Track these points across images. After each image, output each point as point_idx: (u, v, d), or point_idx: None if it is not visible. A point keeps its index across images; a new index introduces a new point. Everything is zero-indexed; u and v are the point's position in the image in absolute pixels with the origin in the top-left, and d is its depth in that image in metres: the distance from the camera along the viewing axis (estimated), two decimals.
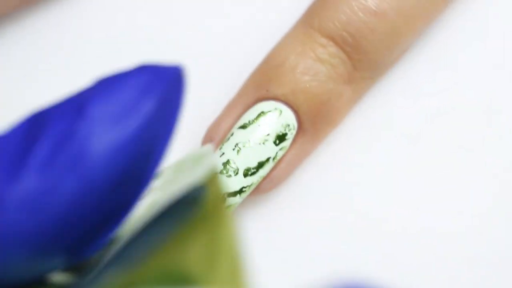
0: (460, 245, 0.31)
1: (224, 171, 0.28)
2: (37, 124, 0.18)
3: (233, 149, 0.28)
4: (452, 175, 0.31)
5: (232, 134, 0.28)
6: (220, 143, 0.29)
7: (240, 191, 0.28)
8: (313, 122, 0.28)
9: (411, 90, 0.31)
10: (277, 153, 0.28)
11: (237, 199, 0.28)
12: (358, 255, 0.31)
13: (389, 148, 0.31)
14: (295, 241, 0.31)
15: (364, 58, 0.28)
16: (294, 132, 0.28)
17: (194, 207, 0.19)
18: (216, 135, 0.29)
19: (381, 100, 0.31)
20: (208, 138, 0.29)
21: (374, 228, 0.31)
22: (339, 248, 0.31)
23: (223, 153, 0.28)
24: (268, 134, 0.28)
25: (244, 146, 0.28)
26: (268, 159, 0.28)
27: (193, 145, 0.31)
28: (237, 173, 0.28)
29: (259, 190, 0.29)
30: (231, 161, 0.28)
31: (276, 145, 0.28)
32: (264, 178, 0.29)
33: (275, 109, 0.28)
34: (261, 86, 0.28)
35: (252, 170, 0.28)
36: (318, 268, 0.31)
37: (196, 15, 0.32)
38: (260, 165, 0.28)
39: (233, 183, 0.28)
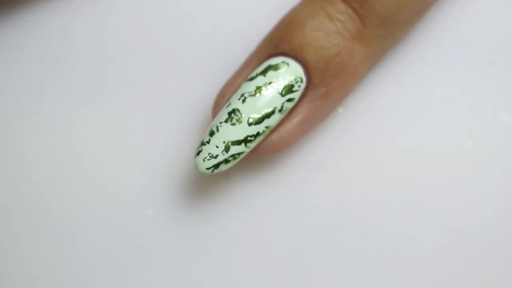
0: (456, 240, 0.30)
1: (229, 120, 0.27)
2: None
3: (239, 99, 0.28)
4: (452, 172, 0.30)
5: (240, 87, 0.28)
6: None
7: (246, 140, 0.27)
8: (322, 76, 0.28)
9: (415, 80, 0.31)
10: (283, 104, 0.28)
11: (242, 148, 0.27)
12: (357, 249, 0.30)
13: (391, 140, 0.31)
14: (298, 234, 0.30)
15: (372, 13, 0.27)
16: (302, 85, 0.28)
17: None
18: (228, 92, 0.29)
19: (384, 91, 0.31)
20: (221, 95, 0.29)
21: (374, 223, 0.30)
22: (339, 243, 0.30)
23: (230, 104, 0.28)
24: (272, 83, 0.27)
25: (249, 95, 0.27)
26: (273, 110, 0.27)
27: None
28: (241, 121, 0.27)
29: (269, 146, 0.28)
30: (236, 110, 0.27)
31: (282, 95, 0.27)
32: (272, 132, 0.28)
33: (283, 62, 0.28)
34: (271, 44, 0.28)
35: (257, 119, 0.27)
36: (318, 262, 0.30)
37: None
38: (266, 115, 0.27)
39: (237, 131, 0.27)
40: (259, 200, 0.30)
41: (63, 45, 0.32)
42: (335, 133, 0.31)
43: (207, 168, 0.27)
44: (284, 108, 0.28)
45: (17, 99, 0.32)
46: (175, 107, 0.31)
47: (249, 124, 0.27)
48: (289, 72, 0.28)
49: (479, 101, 0.31)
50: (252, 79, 0.28)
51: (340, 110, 0.31)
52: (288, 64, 0.28)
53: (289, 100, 0.28)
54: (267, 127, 0.28)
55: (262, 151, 0.28)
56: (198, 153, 0.27)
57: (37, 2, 0.33)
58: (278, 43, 0.28)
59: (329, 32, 0.28)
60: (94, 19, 0.33)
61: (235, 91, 0.28)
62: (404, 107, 0.31)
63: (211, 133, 0.27)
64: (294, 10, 0.29)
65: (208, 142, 0.27)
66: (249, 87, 0.28)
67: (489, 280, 0.29)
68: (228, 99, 0.28)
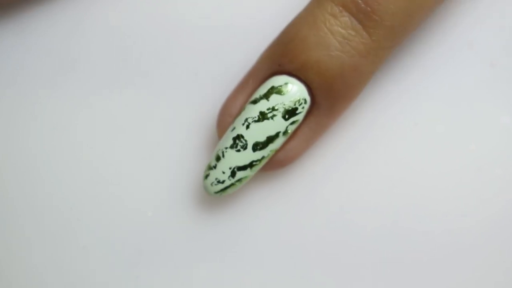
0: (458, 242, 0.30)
1: (234, 146, 0.28)
2: None
3: (243, 124, 0.28)
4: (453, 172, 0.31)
5: (244, 109, 0.28)
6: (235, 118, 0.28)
7: (251, 165, 0.28)
8: (327, 96, 0.27)
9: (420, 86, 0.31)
10: (287, 127, 0.27)
11: (248, 172, 0.28)
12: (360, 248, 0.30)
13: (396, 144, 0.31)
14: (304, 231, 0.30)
15: (380, 25, 0.26)
16: (306, 106, 0.27)
17: None
18: (230, 109, 0.28)
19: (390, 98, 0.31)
20: (223, 113, 0.28)
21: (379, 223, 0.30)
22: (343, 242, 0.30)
23: (234, 128, 0.28)
24: (276, 109, 0.27)
25: (253, 121, 0.27)
26: (277, 134, 0.27)
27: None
28: (246, 148, 0.27)
29: (274, 163, 0.28)
30: (240, 136, 0.27)
31: (286, 119, 0.27)
32: (278, 151, 0.28)
33: (286, 83, 0.27)
34: (273, 61, 0.27)
35: (261, 144, 0.27)
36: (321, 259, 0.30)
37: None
38: (269, 139, 0.27)
39: (242, 157, 0.27)
40: (259, 203, 0.31)
41: (66, 45, 0.32)
42: (338, 139, 0.31)
43: (216, 192, 0.28)
44: (288, 131, 0.28)
45: (20, 98, 0.32)
46: (176, 109, 0.31)
47: (254, 150, 0.27)
48: (292, 95, 0.27)
49: (480, 102, 0.30)
50: (255, 102, 0.28)
51: None
52: (292, 85, 0.27)
53: (293, 122, 0.28)
54: (271, 150, 0.28)
55: (267, 167, 0.29)
56: (206, 177, 0.28)
57: (39, 2, 0.32)
58: (281, 62, 0.27)
59: (332, 51, 0.27)
60: (98, 21, 0.32)
61: (238, 113, 0.28)
62: (405, 109, 0.31)
63: (217, 158, 0.28)
64: (296, 22, 0.27)
65: (215, 167, 0.28)
66: (253, 111, 0.28)
67: (490, 281, 0.30)
68: (232, 120, 0.28)
